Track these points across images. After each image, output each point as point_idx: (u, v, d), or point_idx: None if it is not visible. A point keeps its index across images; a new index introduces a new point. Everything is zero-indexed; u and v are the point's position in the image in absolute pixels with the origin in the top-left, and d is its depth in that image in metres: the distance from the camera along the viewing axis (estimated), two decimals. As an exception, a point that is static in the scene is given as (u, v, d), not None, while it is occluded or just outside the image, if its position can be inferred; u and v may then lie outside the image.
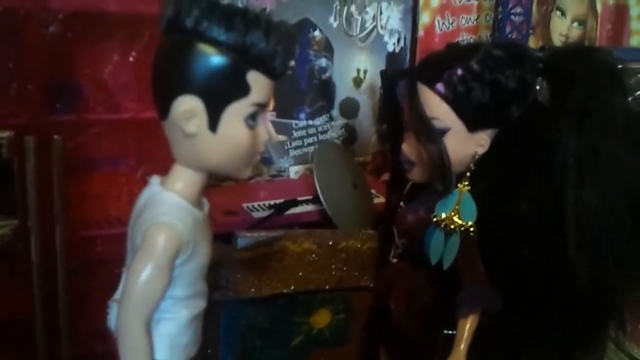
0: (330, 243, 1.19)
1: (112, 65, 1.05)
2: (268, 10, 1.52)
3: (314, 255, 1.19)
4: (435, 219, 0.89)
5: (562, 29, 1.95)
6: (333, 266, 1.20)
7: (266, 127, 0.74)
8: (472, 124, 0.87)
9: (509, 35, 1.63)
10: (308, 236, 1.20)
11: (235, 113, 0.70)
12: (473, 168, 0.89)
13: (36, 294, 1.05)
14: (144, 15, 1.03)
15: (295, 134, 1.63)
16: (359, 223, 1.32)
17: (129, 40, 1.05)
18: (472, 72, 0.85)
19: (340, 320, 1.23)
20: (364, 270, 1.20)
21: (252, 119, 0.71)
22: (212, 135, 0.70)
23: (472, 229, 0.88)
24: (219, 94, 0.69)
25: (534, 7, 1.82)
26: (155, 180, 0.76)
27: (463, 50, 0.90)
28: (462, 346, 0.84)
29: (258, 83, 0.70)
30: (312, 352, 1.23)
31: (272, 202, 1.40)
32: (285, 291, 1.17)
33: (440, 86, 0.85)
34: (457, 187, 0.90)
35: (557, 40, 1.94)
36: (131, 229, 0.74)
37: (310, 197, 1.42)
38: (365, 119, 1.72)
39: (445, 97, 0.86)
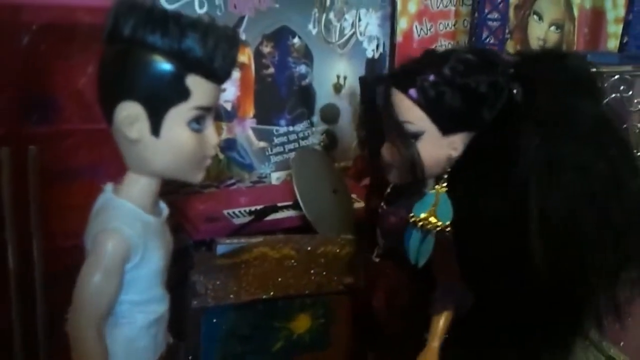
0: (309, 248, 1.21)
1: (87, 76, 1.06)
2: (247, 18, 1.53)
3: (293, 261, 1.20)
4: (412, 219, 0.92)
5: (540, 33, 1.98)
6: (312, 271, 1.21)
7: (214, 131, 0.75)
8: (445, 128, 0.90)
9: (486, 41, 1.65)
10: (287, 242, 1.21)
11: (177, 117, 0.71)
12: (449, 170, 0.92)
13: (14, 305, 1.05)
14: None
15: (276, 140, 1.64)
16: (339, 228, 1.33)
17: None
18: (443, 77, 0.88)
19: (320, 325, 1.24)
20: (343, 275, 1.21)
21: (196, 122, 0.72)
22: (156, 140, 0.71)
23: (447, 229, 0.90)
24: (159, 99, 0.70)
25: (511, 12, 1.85)
26: (108, 187, 0.78)
27: (437, 56, 0.93)
28: (436, 342, 0.87)
29: (199, 87, 0.71)
30: (293, 357, 1.24)
31: (252, 209, 1.41)
32: (264, 297, 1.18)
33: (412, 91, 0.89)
34: (434, 188, 0.93)
35: (535, 45, 1.97)
36: (85, 236, 0.75)
37: (291, 203, 1.43)
38: (346, 124, 1.73)
39: (417, 102, 0.89)
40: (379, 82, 0.96)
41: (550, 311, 0.89)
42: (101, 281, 0.71)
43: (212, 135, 0.75)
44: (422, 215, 0.91)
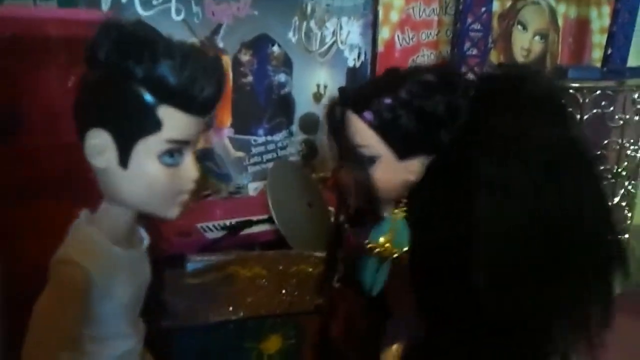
0: (281, 267, 1.19)
1: (52, 90, 1.02)
2: (225, 25, 1.50)
3: (264, 280, 1.18)
4: (368, 246, 0.88)
5: (524, 43, 1.96)
6: (284, 291, 1.19)
7: (193, 165, 0.70)
8: (401, 152, 0.86)
9: (468, 52, 1.64)
10: (259, 260, 1.19)
11: (147, 149, 0.66)
12: (407, 195, 0.89)
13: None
14: (84, 39, 1.00)
15: (254, 150, 1.61)
16: (314, 243, 1.31)
17: (70, 65, 1.02)
18: (399, 100, 0.84)
19: (291, 345, 1.22)
20: (314, 295, 1.20)
21: (169, 156, 0.67)
22: (123, 172, 0.67)
23: (403, 256, 0.87)
24: (128, 129, 0.66)
25: (495, 22, 1.83)
26: (83, 214, 0.73)
27: (397, 77, 0.89)
28: None
29: (172, 118, 0.66)
30: (264, 378, 1.22)
31: (227, 222, 1.38)
32: (234, 317, 1.16)
33: (367, 114, 0.85)
34: (392, 214, 0.89)
35: (519, 54, 1.96)
36: (51, 259, 0.71)
37: (266, 217, 1.41)
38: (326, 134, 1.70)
39: (372, 125, 0.85)
40: (335, 103, 0.92)
41: (504, 342, 0.83)
42: (55, 312, 0.67)
43: (189, 170, 0.69)
44: (378, 242, 0.88)
